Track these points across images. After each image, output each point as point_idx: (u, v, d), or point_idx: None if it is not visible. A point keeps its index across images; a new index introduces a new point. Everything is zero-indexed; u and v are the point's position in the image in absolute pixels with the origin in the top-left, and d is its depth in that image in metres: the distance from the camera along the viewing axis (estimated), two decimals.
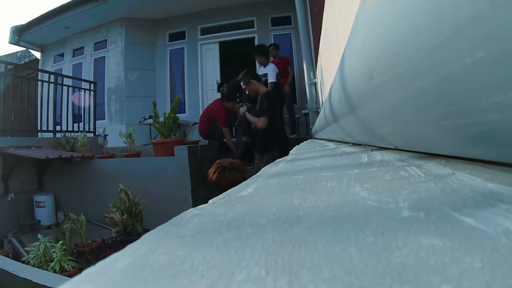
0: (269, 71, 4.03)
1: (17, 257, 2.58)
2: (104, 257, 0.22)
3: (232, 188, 0.49)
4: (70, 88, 5.01)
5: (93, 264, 0.21)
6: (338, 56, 0.83)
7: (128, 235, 2.84)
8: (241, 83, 3.20)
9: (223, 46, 6.70)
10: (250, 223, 0.26)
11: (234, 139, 4.02)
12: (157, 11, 6.65)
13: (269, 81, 3.93)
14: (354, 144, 1.16)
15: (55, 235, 2.62)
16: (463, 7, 0.20)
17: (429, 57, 0.25)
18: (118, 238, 2.83)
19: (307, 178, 0.51)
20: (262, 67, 4.18)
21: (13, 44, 7.18)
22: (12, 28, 7.07)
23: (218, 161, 1.79)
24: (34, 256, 2.27)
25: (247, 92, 3.27)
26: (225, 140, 3.98)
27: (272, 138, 2.95)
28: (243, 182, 0.55)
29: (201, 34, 6.85)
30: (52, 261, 2.26)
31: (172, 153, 3.39)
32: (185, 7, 6.52)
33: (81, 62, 7.28)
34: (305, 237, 0.21)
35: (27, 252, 2.42)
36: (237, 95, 3.91)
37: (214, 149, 3.98)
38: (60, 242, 2.38)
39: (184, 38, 6.94)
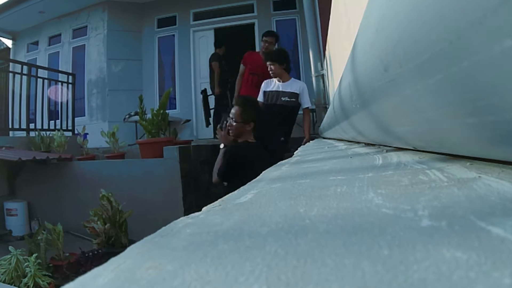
0: (303, 92, 3.11)
1: None
2: (84, 272, 0.22)
3: (229, 194, 0.49)
4: (46, 81, 5.00)
5: (72, 280, 0.21)
6: (349, 44, 0.83)
7: (111, 247, 2.84)
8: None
9: (219, 33, 6.69)
10: (250, 234, 0.26)
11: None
12: None
13: (304, 107, 3.17)
14: (367, 144, 1.16)
15: (28, 247, 2.62)
16: None
17: (452, 46, 0.25)
18: (100, 251, 2.83)
19: (314, 182, 0.51)
20: (277, 80, 3.14)
21: None
22: None
23: None
24: (5, 271, 2.27)
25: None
26: None
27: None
28: (241, 187, 0.55)
29: (194, 20, 6.85)
30: (25, 276, 2.26)
31: (161, 154, 3.39)
32: None
33: (58, 51, 7.28)
34: (312, 250, 0.21)
35: None
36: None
37: (208, 150, 3.97)
38: (34, 255, 2.38)
39: (175, 24, 6.94)
